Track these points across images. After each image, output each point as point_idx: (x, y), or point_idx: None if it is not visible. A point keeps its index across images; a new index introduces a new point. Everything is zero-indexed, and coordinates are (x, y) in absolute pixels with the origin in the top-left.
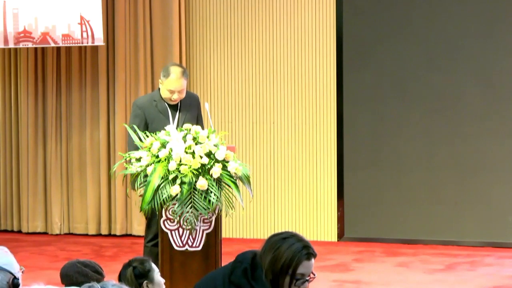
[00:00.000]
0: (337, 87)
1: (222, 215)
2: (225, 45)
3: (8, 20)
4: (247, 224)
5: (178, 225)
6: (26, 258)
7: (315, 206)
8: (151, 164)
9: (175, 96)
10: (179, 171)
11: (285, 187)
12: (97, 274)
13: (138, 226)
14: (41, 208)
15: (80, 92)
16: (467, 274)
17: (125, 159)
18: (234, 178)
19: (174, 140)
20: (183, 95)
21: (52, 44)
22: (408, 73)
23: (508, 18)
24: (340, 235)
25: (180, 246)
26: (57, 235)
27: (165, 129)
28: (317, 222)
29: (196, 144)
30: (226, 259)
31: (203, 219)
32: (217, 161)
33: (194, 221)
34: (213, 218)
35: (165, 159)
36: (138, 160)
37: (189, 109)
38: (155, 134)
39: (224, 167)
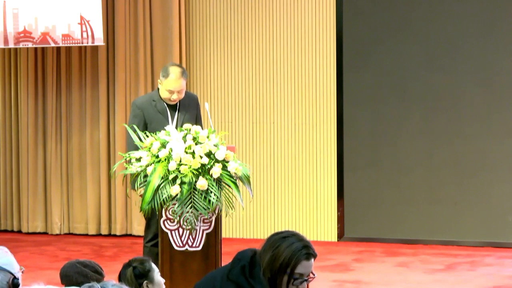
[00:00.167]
0: (337, 87)
1: (222, 215)
2: (225, 45)
3: (8, 20)
4: (247, 224)
5: (178, 225)
6: (26, 258)
7: (315, 206)
8: (151, 164)
9: (174, 96)
10: (179, 171)
11: (285, 187)
12: (97, 274)
13: (138, 226)
14: (41, 208)
15: (80, 92)
16: (467, 274)
17: (125, 159)
18: (234, 178)
19: (174, 140)
20: (183, 95)
21: (52, 44)
22: (408, 73)
23: (508, 18)
24: (340, 235)
25: (180, 246)
26: (57, 235)
27: (165, 129)
28: (317, 222)
29: (196, 144)
30: (226, 259)
31: (203, 219)
32: (217, 161)
33: (194, 221)
34: (213, 218)
35: (165, 159)
36: (138, 160)
37: (188, 109)
38: (155, 134)
39: (224, 167)
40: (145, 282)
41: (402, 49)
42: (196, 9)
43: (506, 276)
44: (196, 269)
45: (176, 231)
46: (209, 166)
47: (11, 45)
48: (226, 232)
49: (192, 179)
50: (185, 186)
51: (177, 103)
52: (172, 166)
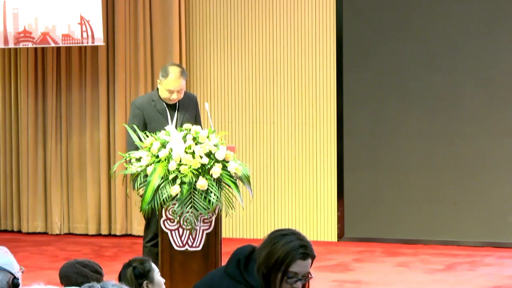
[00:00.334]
0: (337, 87)
1: (222, 215)
2: (225, 45)
3: (8, 20)
4: (247, 224)
5: (178, 225)
6: (26, 258)
7: (315, 206)
8: (151, 164)
9: (174, 96)
10: (179, 171)
11: (285, 187)
12: (97, 274)
13: (138, 226)
14: (41, 208)
15: (80, 92)
16: (467, 274)
17: (125, 159)
18: (234, 178)
19: (174, 140)
20: (182, 95)
21: (52, 44)
22: (408, 73)
23: (508, 18)
24: (340, 235)
25: (180, 246)
26: (57, 235)
27: (164, 129)
28: (317, 222)
29: (196, 144)
30: (226, 259)
31: (203, 219)
32: (217, 161)
33: (194, 221)
34: (213, 218)
35: (165, 159)
36: (138, 160)
37: (188, 109)
38: (154, 134)
39: (224, 167)
40: (145, 282)
41: (402, 49)
42: (196, 9)
43: (506, 276)
44: (196, 269)
45: (176, 231)
46: (209, 166)
47: (11, 45)
48: (226, 232)
49: (192, 179)
50: (185, 186)
51: (176, 103)
52: (172, 166)
